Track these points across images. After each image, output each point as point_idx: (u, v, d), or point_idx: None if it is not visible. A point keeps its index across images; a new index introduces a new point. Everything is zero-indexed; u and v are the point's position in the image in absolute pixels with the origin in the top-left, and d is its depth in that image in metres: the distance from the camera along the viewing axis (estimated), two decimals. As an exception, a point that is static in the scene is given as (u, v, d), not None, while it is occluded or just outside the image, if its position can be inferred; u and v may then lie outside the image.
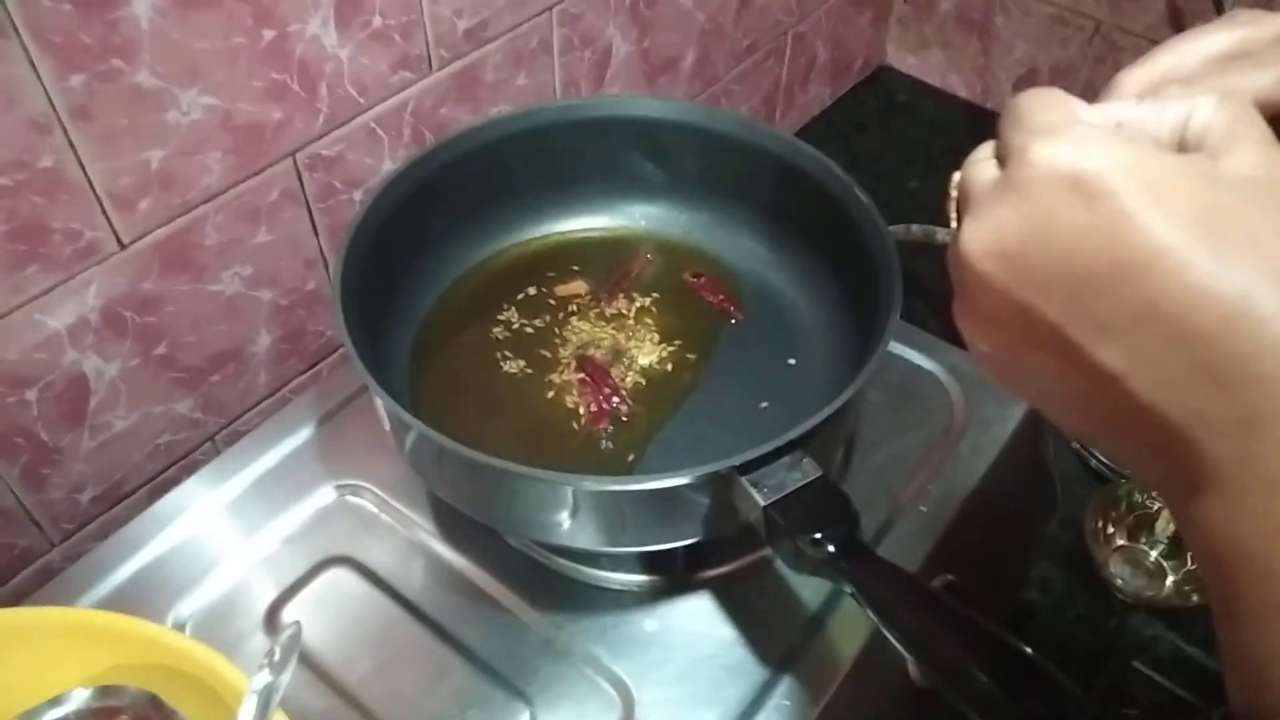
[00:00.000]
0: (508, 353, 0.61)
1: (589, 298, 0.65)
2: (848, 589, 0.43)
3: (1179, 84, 0.32)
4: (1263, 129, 0.28)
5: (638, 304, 0.64)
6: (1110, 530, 0.79)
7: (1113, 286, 0.26)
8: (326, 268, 0.69)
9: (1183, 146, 0.28)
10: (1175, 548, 0.78)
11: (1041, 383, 0.30)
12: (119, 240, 0.56)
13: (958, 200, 0.32)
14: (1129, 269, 0.26)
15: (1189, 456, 0.26)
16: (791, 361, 0.61)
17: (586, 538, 0.50)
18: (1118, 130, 0.29)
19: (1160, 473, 0.28)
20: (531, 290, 0.65)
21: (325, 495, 0.58)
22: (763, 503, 0.45)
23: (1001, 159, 0.30)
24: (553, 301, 0.64)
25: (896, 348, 0.66)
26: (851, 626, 0.53)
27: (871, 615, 0.43)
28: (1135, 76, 0.34)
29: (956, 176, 0.32)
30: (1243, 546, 0.26)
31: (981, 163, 0.31)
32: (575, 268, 0.66)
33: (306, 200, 0.65)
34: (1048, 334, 0.28)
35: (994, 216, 0.29)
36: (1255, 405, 0.25)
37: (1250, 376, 0.25)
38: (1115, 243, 0.26)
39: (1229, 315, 0.25)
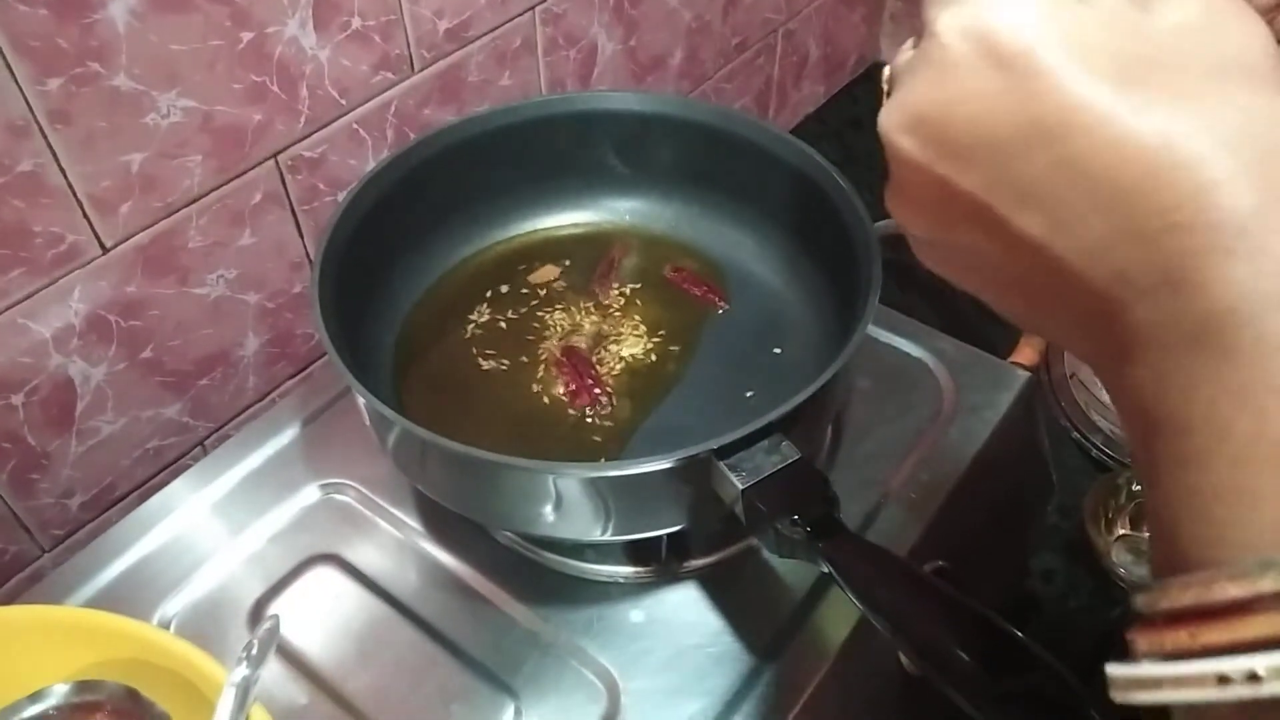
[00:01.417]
0: (491, 349, 0.61)
1: (566, 287, 0.65)
2: (825, 569, 0.43)
3: None
4: None
5: (622, 296, 0.64)
6: (1111, 518, 0.78)
7: (1029, 149, 0.26)
8: (312, 269, 0.69)
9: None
10: (1178, 535, 0.77)
11: (976, 263, 0.30)
12: (101, 244, 0.56)
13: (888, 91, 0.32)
14: (1045, 128, 0.25)
15: (1115, 322, 0.26)
16: (777, 351, 0.61)
17: (569, 528, 0.50)
18: None
19: (1094, 347, 0.28)
20: (515, 286, 0.65)
21: (310, 494, 0.58)
22: (741, 486, 0.45)
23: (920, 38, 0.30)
24: (534, 297, 0.64)
25: (885, 335, 0.66)
26: (838, 614, 0.52)
27: (850, 595, 0.42)
28: None
29: (887, 70, 0.32)
30: (1165, 406, 0.25)
31: (905, 48, 0.30)
32: (567, 262, 0.66)
33: (290, 202, 0.65)
34: (971, 207, 0.28)
35: (906, 91, 0.28)
36: (1176, 260, 0.24)
37: (1171, 229, 0.24)
38: (1029, 102, 0.25)
39: (1149, 167, 0.24)
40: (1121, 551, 0.77)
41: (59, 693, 0.44)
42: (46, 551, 0.63)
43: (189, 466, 0.66)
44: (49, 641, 0.45)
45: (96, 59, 0.52)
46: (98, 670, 0.45)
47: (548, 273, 0.65)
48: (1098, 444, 0.83)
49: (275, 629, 0.46)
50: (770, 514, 0.45)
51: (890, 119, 0.29)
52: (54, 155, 0.52)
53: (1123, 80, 0.25)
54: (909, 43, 0.31)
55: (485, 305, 0.64)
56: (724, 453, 0.46)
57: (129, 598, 0.54)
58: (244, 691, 0.43)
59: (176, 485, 0.59)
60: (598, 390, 0.58)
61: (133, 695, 0.44)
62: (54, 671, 0.45)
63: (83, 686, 0.44)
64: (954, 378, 0.63)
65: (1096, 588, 0.76)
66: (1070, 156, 0.25)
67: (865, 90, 1.21)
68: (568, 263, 0.66)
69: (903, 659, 0.54)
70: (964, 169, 0.27)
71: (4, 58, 0.49)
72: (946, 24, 0.27)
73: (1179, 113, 0.24)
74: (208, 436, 0.68)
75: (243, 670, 0.43)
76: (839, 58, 1.16)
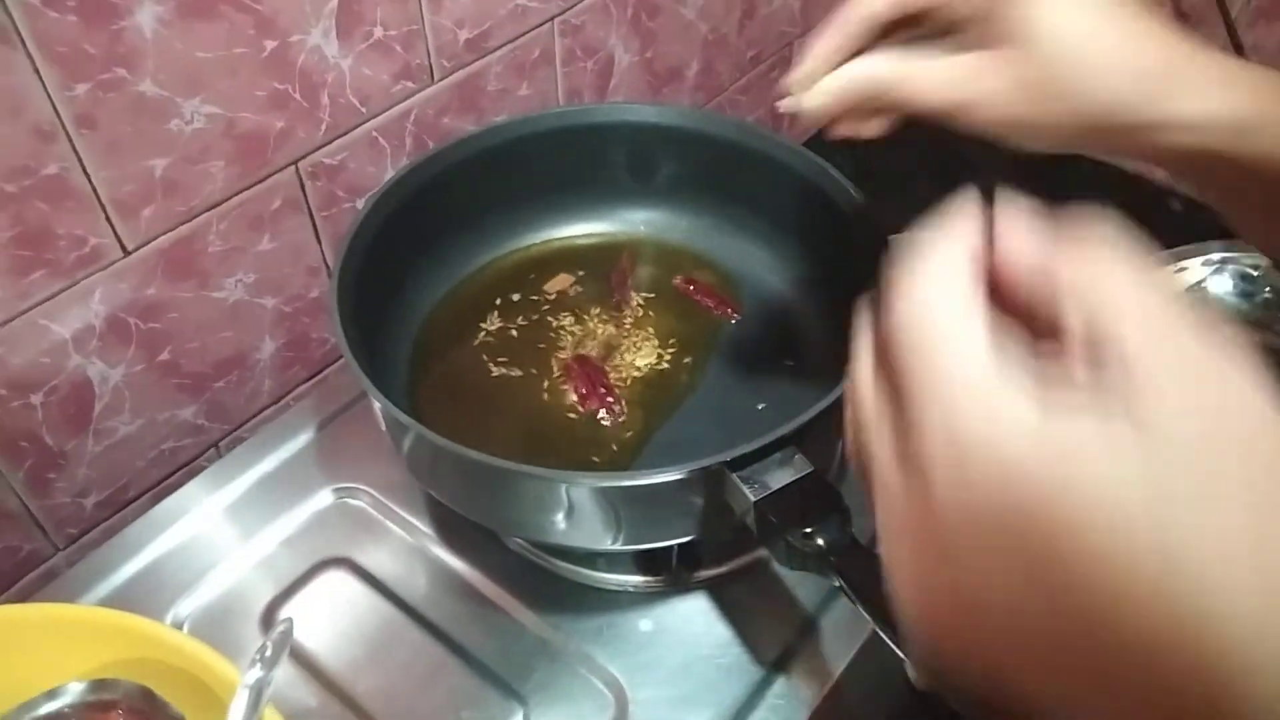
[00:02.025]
0: (505, 357, 0.62)
1: (580, 295, 0.66)
2: (837, 583, 0.43)
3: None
4: (1176, 341, 0.23)
5: (640, 307, 0.65)
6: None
7: (1071, 643, 0.22)
8: (330, 275, 0.69)
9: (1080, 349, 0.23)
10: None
11: None
12: (123, 247, 0.57)
13: (854, 427, 0.28)
14: (1084, 615, 0.22)
15: None
16: (789, 363, 0.62)
17: (581, 536, 0.50)
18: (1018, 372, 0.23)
19: None
20: (529, 295, 0.65)
21: (324, 498, 0.59)
22: (753, 498, 0.46)
23: (892, 393, 0.26)
24: (549, 305, 0.65)
25: (896, 351, 0.66)
26: (846, 628, 0.53)
27: (861, 610, 0.43)
28: (823, 53, 0.43)
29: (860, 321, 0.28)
30: None
31: (868, 393, 0.27)
32: (581, 272, 0.67)
33: (309, 208, 0.66)
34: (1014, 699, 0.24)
35: (917, 574, 0.25)
36: None
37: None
38: (1063, 584, 0.22)
39: (1214, 661, 0.21)
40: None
41: (74, 691, 0.44)
42: (60, 550, 0.63)
43: (203, 468, 0.67)
44: (64, 640, 0.46)
45: (123, 65, 0.52)
46: (112, 669, 0.45)
47: (562, 281, 0.66)
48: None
49: (289, 632, 0.46)
50: (782, 526, 0.45)
51: (908, 602, 0.26)
52: (79, 159, 0.53)
53: (1159, 540, 0.21)
54: (867, 360, 0.27)
55: (500, 313, 0.64)
56: (736, 465, 0.46)
57: (142, 598, 0.55)
58: (257, 693, 0.43)
59: (191, 487, 0.60)
60: (610, 398, 0.59)
61: (148, 695, 0.44)
62: (69, 670, 0.45)
63: (98, 685, 0.44)
64: (965, 394, 0.63)
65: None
66: (1118, 650, 0.22)
67: (879, 104, 1.21)
68: (581, 272, 0.67)
69: (909, 670, 0.55)
70: (1000, 667, 0.24)
71: (32, 63, 0.49)
72: (948, 482, 0.23)
73: (1239, 588, 0.21)
74: (222, 439, 0.69)
75: (256, 672, 0.44)
76: (853, 72, 1.17)
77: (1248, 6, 0.97)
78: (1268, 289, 0.91)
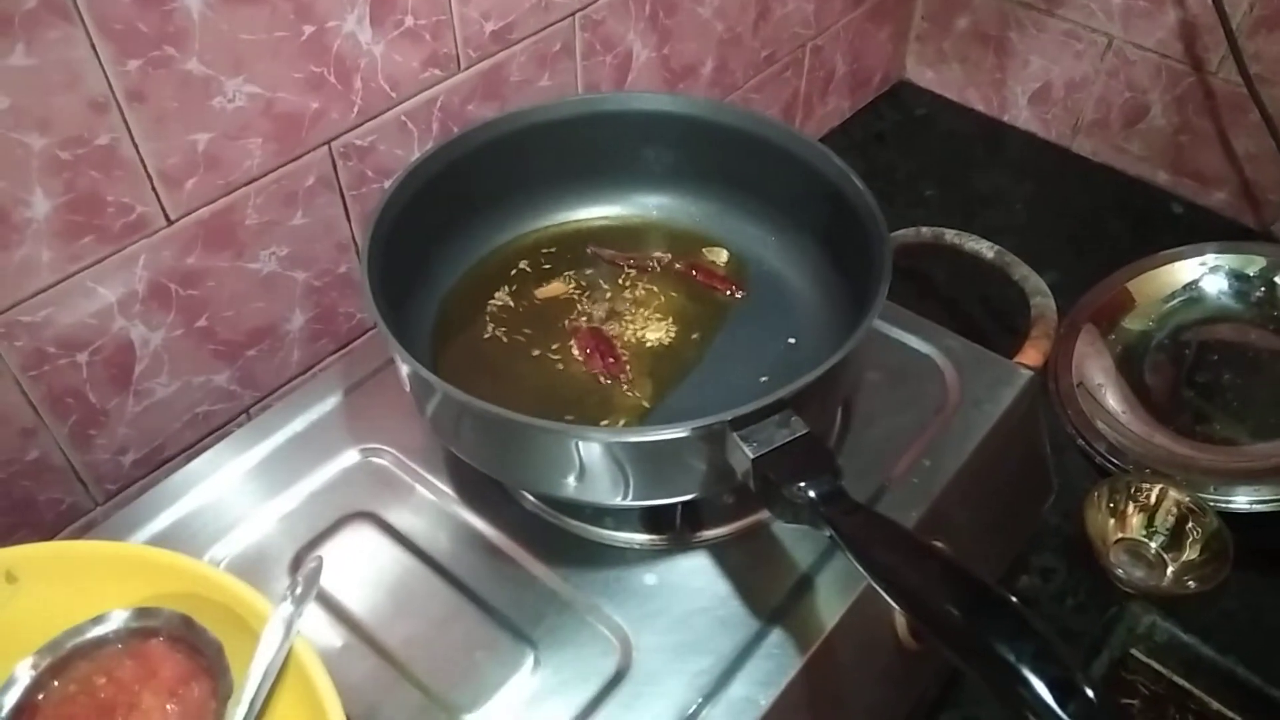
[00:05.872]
0: (521, 330, 0.65)
1: (593, 274, 0.69)
2: (827, 532, 0.46)
3: None
4: None
5: (645, 286, 0.68)
6: (1111, 521, 0.81)
7: None
8: (358, 252, 0.73)
9: None
10: (1175, 539, 0.80)
11: None
12: (166, 216, 0.61)
13: None
14: None
15: None
16: (792, 340, 0.65)
17: (591, 491, 0.53)
18: None
19: None
20: (545, 273, 0.69)
21: (350, 457, 0.62)
22: (752, 456, 0.49)
23: None
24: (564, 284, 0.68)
25: (896, 332, 0.69)
26: (838, 588, 0.56)
27: (850, 556, 0.46)
28: None
29: None
30: None
31: None
32: (574, 274, 0.70)
33: (340, 187, 0.69)
34: None
35: None
36: None
37: None
38: None
39: None
40: (1120, 553, 0.80)
41: (119, 618, 0.47)
42: (99, 505, 0.67)
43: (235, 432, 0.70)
44: (110, 574, 0.49)
45: (172, 44, 0.56)
46: (154, 602, 0.48)
47: (555, 289, 0.69)
48: (1101, 451, 0.86)
49: (318, 569, 0.49)
50: (779, 482, 0.48)
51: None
52: (129, 131, 0.57)
53: None
54: None
55: (516, 289, 0.68)
56: (738, 424, 0.50)
57: (178, 546, 0.57)
58: (288, 625, 0.47)
59: (224, 445, 0.63)
60: (615, 363, 0.62)
61: (188, 622, 0.47)
62: (114, 602, 0.48)
63: (141, 613, 0.47)
64: (959, 373, 0.66)
65: (1095, 587, 0.79)
66: None
67: (890, 106, 1.25)
68: (574, 274, 0.70)
69: (898, 629, 0.58)
70: None
71: (90, 39, 0.53)
72: None
73: None
74: (252, 405, 0.73)
75: (288, 605, 0.47)
76: (865, 74, 1.20)
77: (1249, 15, 0.99)
78: (1261, 289, 0.94)
